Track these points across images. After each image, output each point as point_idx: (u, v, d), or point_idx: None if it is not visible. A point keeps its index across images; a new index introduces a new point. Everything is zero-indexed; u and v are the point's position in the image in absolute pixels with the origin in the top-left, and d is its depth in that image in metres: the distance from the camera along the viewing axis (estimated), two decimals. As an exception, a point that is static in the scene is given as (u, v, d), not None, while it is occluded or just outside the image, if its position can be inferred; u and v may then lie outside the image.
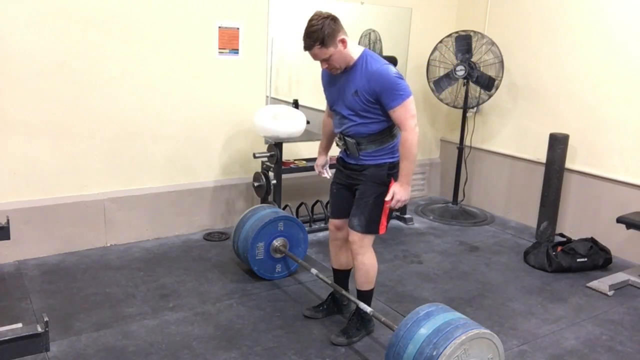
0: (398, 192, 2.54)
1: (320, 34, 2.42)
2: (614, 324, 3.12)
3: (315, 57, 2.51)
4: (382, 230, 2.69)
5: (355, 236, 2.69)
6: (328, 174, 3.07)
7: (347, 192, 2.78)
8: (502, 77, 4.54)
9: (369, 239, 2.70)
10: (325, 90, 2.77)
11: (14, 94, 3.33)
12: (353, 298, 2.79)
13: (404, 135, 2.50)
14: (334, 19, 2.47)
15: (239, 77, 4.09)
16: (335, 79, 2.64)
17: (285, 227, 3.40)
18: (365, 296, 2.78)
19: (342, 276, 3.00)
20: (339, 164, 2.83)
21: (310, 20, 2.47)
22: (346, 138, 2.66)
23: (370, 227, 2.65)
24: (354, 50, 2.54)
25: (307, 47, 2.48)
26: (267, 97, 4.24)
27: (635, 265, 3.86)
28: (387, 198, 2.57)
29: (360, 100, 2.53)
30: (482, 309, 3.21)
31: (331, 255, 3.00)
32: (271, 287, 3.33)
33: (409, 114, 2.48)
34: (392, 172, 2.63)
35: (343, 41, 2.48)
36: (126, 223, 3.85)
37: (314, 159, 4.15)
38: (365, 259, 2.71)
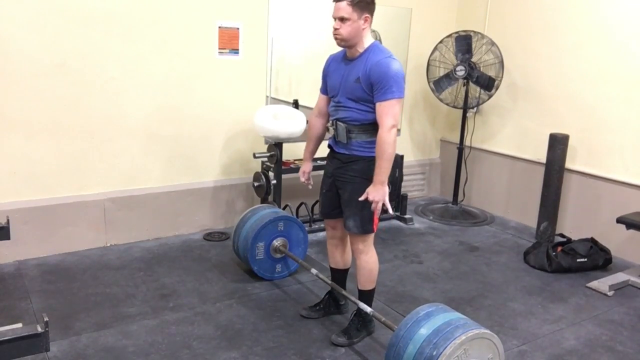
0: (371, 193, 2.50)
1: None
2: (614, 324, 3.12)
3: (337, 11, 2.51)
4: (374, 228, 2.69)
5: (354, 238, 2.70)
6: (312, 182, 3.03)
7: (334, 190, 2.78)
8: (502, 77, 4.54)
9: (369, 238, 2.71)
10: (326, 78, 2.76)
11: (14, 94, 3.33)
12: (353, 298, 2.78)
13: (379, 133, 2.49)
14: (373, 0, 2.54)
15: (239, 77, 4.09)
16: (341, 65, 2.65)
17: (285, 227, 3.40)
18: (367, 296, 2.79)
19: (340, 275, 3.00)
20: (328, 155, 2.82)
21: None
22: (338, 122, 2.65)
23: (366, 226, 2.65)
24: (367, 38, 2.57)
25: None
26: (267, 97, 4.24)
27: (635, 265, 3.86)
28: (361, 198, 2.53)
29: (361, 87, 2.53)
30: (482, 309, 3.21)
31: (328, 254, 3.01)
32: (271, 287, 3.33)
33: (391, 112, 2.46)
34: None
35: (366, 19, 2.52)
36: (126, 223, 3.85)
37: (314, 159, 4.16)
38: (367, 257, 2.72)
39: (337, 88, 2.66)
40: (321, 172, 4.20)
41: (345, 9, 2.48)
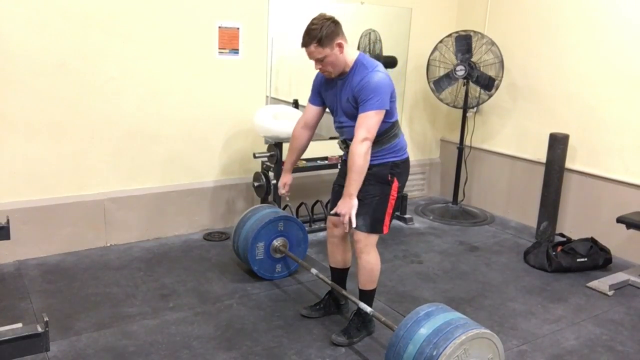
0: (339, 206, 2.50)
1: (318, 33, 2.45)
2: (614, 324, 3.12)
3: (310, 55, 2.54)
4: (385, 230, 2.70)
5: (360, 236, 2.69)
6: (289, 194, 3.01)
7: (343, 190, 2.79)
8: (502, 77, 4.54)
9: (373, 238, 2.71)
10: (320, 93, 2.77)
11: (14, 94, 3.33)
12: (353, 298, 2.78)
13: (351, 144, 2.49)
14: (334, 22, 2.50)
15: (239, 77, 4.09)
16: (332, 84, 2.66)
17: (285, 227, 3.40)
18: (368, 296, 2.79)
19: (340, 275, 3.00)
20: (343, 164, 2.84)
21: (312, 20, 2.51)
22: (348, 142, 2.67)
23: (374, 226, 2.65)
24: (350, 57, 2.56)
25: (304, 44, 2.52)
26: (267, 97, 4.24)
27: (635, 265, 3.86)
28: (332, 212, 2.53)
29: (352, 106, 2.55)
30: (482, 309, 3.21)
31: (328, 253, 3.01)
32: (271, 287, 3.33)
33: (365, 124, 2.46)
34: (394, 170, 2.63)
35: (340, 45, 2.50)
36: (126, 223, 3.85)
37: (314, 159, 4.19)
38: (370, 257, 2.72)
39: (334, 107, 2.69)
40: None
41: (316, 51, 2.49)
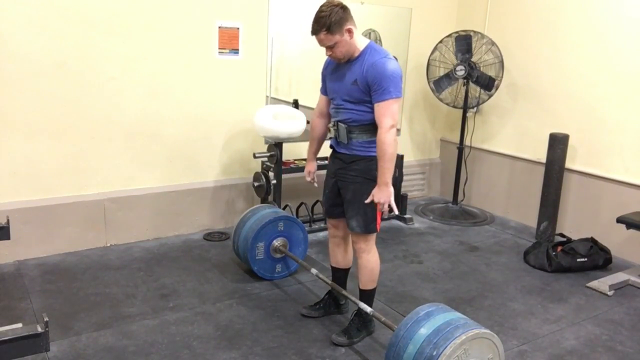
0: (376, 195, 2.52)
1: (327, 20, 2.45)
2: (614, 324, 3.12)
3: (320, 42, 2.54)
4: (377, 228, 2.69)
5: (357, 237, 2.70)
6: (317, 181, 3.04)
7: (336, 190, 2.79)
8: (502, 77, 4.54)
9: (371, 238, 2.72)
10: (325, 80, 2.77)
11: (14, 94, 3.33)
12: (353, 298, 2.79)
13: (378, 134, 2.49)
14: (343, 8, 2.50)
15: (239, 77, 4.09)
16: (339, 68, 2.65)
17: (285, 227, 3.40)
18: (368, 295, 2.79)
19: (341, 275, 3.01)
20: (331, 155, 2.83)
21: (320, 7, 2.51)
22: (339, 124, 2.66)
23: (369, 226, 2.66)
24: (359, 42, 2.57)
25: (314, 31, 2.51)
26: (267, 97, 4.24)
27: (635, 265, 3.86)
28: (367, 201, 2.55)
29: (359, 89, 2.54)
30: (482, 309, 3.21)
31: (330, 253, 3.01)
32: (271, 287, 3.33)
33: (389, 112, 2.47)
34: None
35: (350, 31, 2.50)
36: (126, 223, 3.85)
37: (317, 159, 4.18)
38: (370, 256, 2.73)
39: (335, 91, 2.67)
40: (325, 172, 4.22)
41: (326, 38, 2.49)
